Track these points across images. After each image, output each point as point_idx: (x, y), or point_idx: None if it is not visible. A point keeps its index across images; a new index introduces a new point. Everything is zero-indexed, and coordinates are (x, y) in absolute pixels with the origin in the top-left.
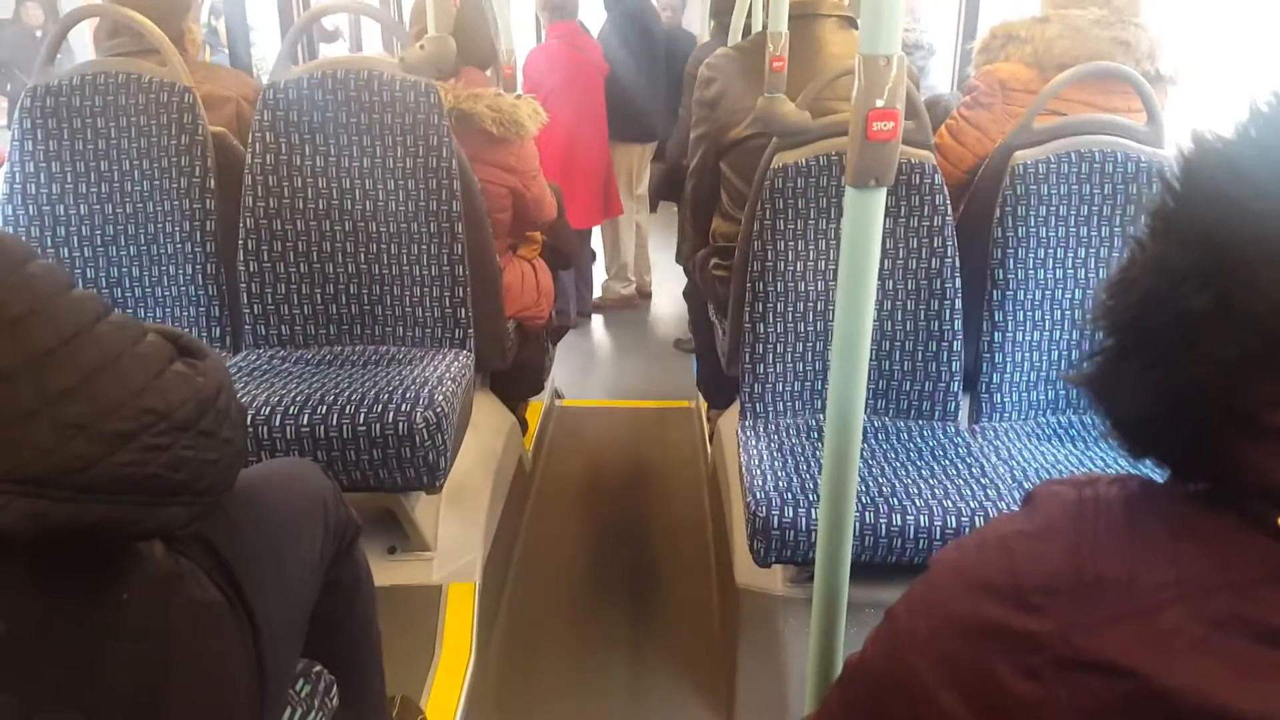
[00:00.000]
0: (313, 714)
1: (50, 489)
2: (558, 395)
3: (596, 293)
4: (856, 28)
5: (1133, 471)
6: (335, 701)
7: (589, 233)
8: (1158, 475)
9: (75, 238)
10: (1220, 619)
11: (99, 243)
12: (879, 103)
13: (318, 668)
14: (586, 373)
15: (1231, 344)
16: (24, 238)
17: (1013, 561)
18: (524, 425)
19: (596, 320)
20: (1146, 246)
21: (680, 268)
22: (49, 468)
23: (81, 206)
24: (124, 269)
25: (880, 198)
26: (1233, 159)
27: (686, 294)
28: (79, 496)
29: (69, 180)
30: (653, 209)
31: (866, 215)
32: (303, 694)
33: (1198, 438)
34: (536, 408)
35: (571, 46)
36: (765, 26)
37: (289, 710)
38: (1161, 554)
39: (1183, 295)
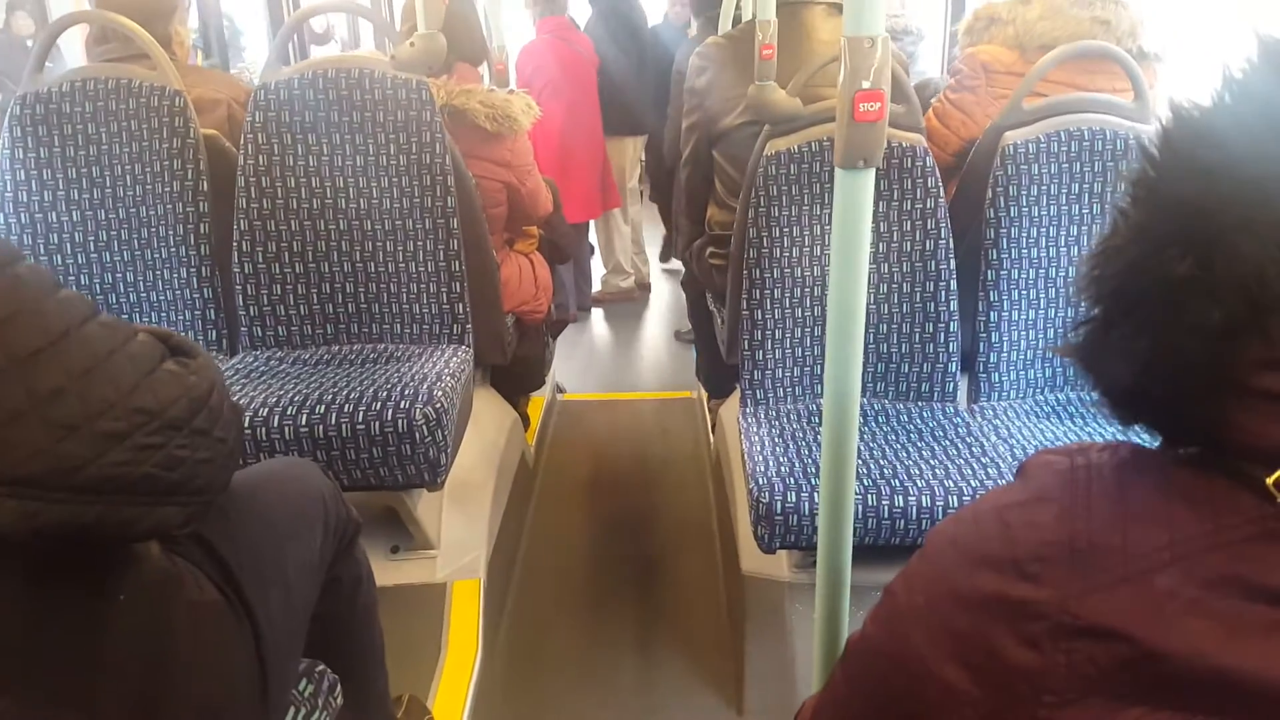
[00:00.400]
0: (316, 713)
1: (42, 490)
2: (559, 389)
3: (595, 286)
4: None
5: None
6: (339, 701)
7: (586, 226)
8: (1149, 441)
9: (69, 244)
10: (1213, 579)
11: (92, 249)
12: (865, 84)
13: (321, 667)
14: (587, 366)
15: (1214, 309)
16: (17, 245)
17: (1008, 532)
18: (526, 420)
19: (596, 314)
20: (1128, 215)
21: (679, 260)
22: (41, 468)
23: (74, 213)
24: (118, 274)
25: (869, 179)
26: (1209, 126)
27: (685, 284)
28: (72, 497)
29: (61, 187)
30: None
31: (856, 196)
32: (306, 694)
33: (1185, 403)
34: (538, 403)
35: (562, 41)
36: (755, 15)
37: (292, 710)
38: (1154, 518)
39: (1165, 262)
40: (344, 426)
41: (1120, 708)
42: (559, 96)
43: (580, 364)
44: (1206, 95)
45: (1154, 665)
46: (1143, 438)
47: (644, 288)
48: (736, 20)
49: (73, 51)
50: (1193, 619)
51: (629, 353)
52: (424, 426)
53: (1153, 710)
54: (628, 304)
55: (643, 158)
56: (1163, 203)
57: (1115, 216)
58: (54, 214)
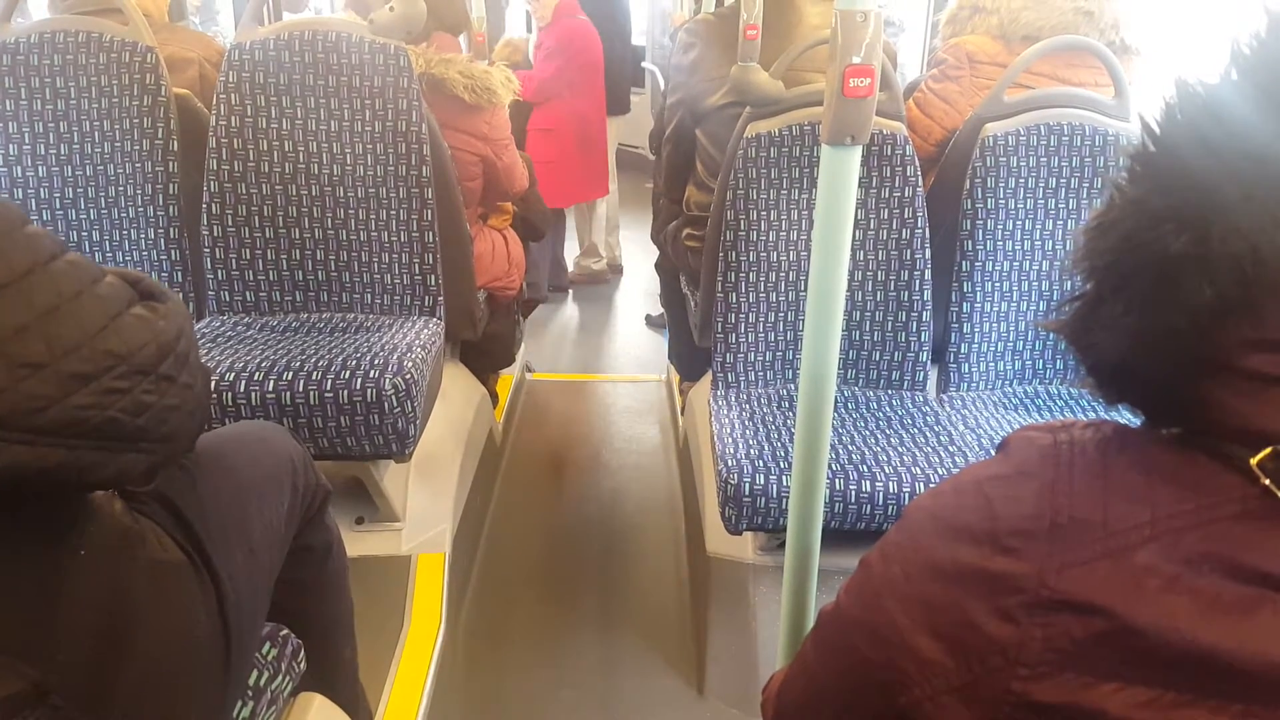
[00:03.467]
0: (279, 678)
1: (3, 430)
2: (528, 369)
3: (569, 267)
4: None
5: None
6: (302, 666)
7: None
8: (1132, 421)
9: (33, 200)
10: (1193, 557)
11: (58, 205)
12: (856, 59)
13: (284, 631)
14: (557, 347)
15: (1207, 287)
16: None
17: (989, 505)
18: (494, 398)
19: (568, 294)
20: (1125, 190)
21: (651, 243)
22: (3, 408)
23: (40, 168)
24: (83, 232)
25: (855, 156)
26: (1213, 102)
27: (659, 266)
28: (34, 439)
29: (27, 141)
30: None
31: (842, 174)
32: (269, 657)
33: (1172, 382)
34: (507, 381)
35: (582, 21)
36: None
37: (255, 673)
38: (1135, 495)
39: (1161, 238)
40: (312, 394)
41: (1094, 682)
42: (597, 74)
43: (550, 344)
44: (1213, 71)
45: (1130, 640)
46: (1126, 418)
47: (616, 270)
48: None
49: (40, 9)
50: (1171, 595)
51: (599, 334)
52: (393, 396)
53: (1127, 685)
54: (599, 286)
55: None
56: (1162, 177)
57: (1112, 191)
58: (19, 168)
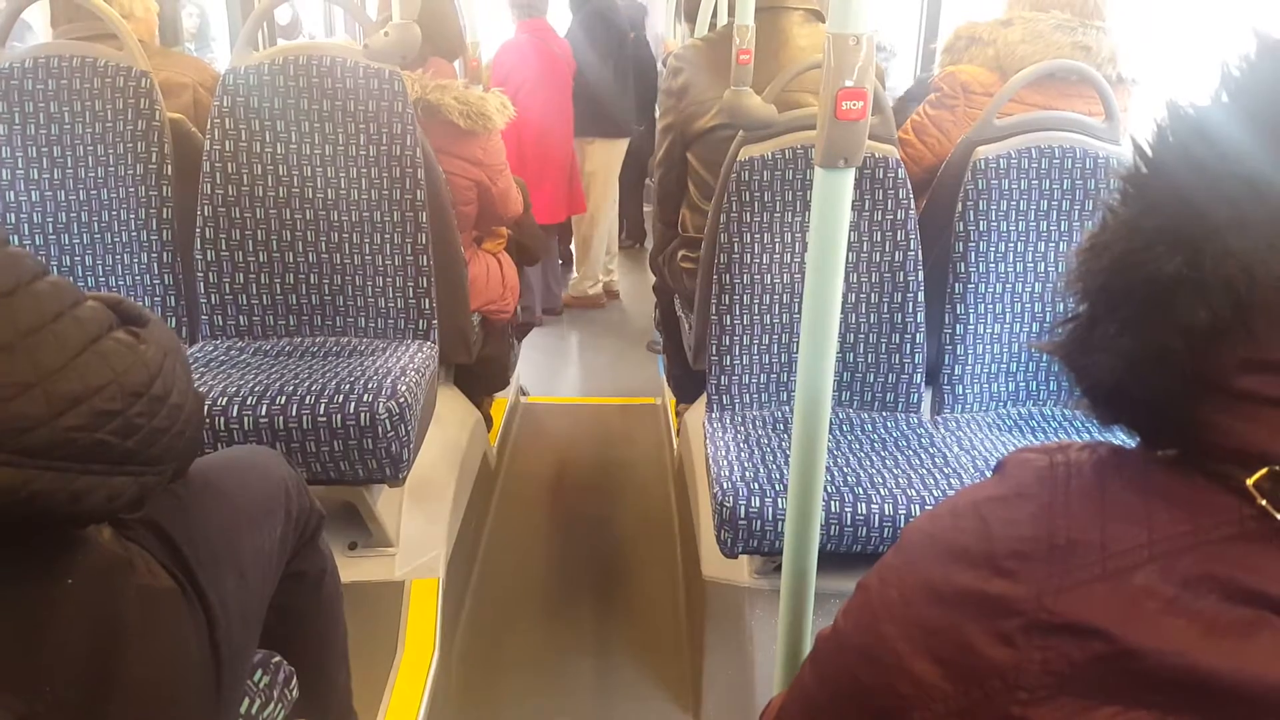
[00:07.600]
0: (271, 705)
1: None
2: (523, 392)
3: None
4: (823, 20)
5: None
6: (295, 693)
7: (554, 228)
8: (1127, 442)
9: (26, 224)
10: (1191, 579)
11: (51, 230)
12: (848, 82)
13: (276, 658)
14: (552, 370)
15: (1201, 308)
16: None
17: (985, 527)
18: (488, 421)
19: (563, 318)
20: (1118, 211)
21: (648, 267)
22: None
23: (33, 192)
24: (76, 257)
25: (848, 179)
26: (1204, 123)
27: (656, 289)
28: (21, 460)
29: (20, 165)
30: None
31: (835, 196)
32: (261, 685)
33: (1167, 403)
34: (501, 404)
35: (541, 42)
36: (730, 19)
37: (247, 701)
38: (1132, 516)
39: (1154, 259)
40: (305, 418)
41: (1093, 706)
42: (535, 97)
43: (545, 367)
44: (1204, 93)
45: (1129, 663)
46: (1121, 440)
47: (612, 295)
48: (713, 25)
49: (46, 31)
50: (1170, 617)
51: (594, 358)
52: (386, 421)
53: (1126, 709)
54: (595, 310)
55: None
56: (1154, 199)
57: (1104, 213)
58: (12, 193)
